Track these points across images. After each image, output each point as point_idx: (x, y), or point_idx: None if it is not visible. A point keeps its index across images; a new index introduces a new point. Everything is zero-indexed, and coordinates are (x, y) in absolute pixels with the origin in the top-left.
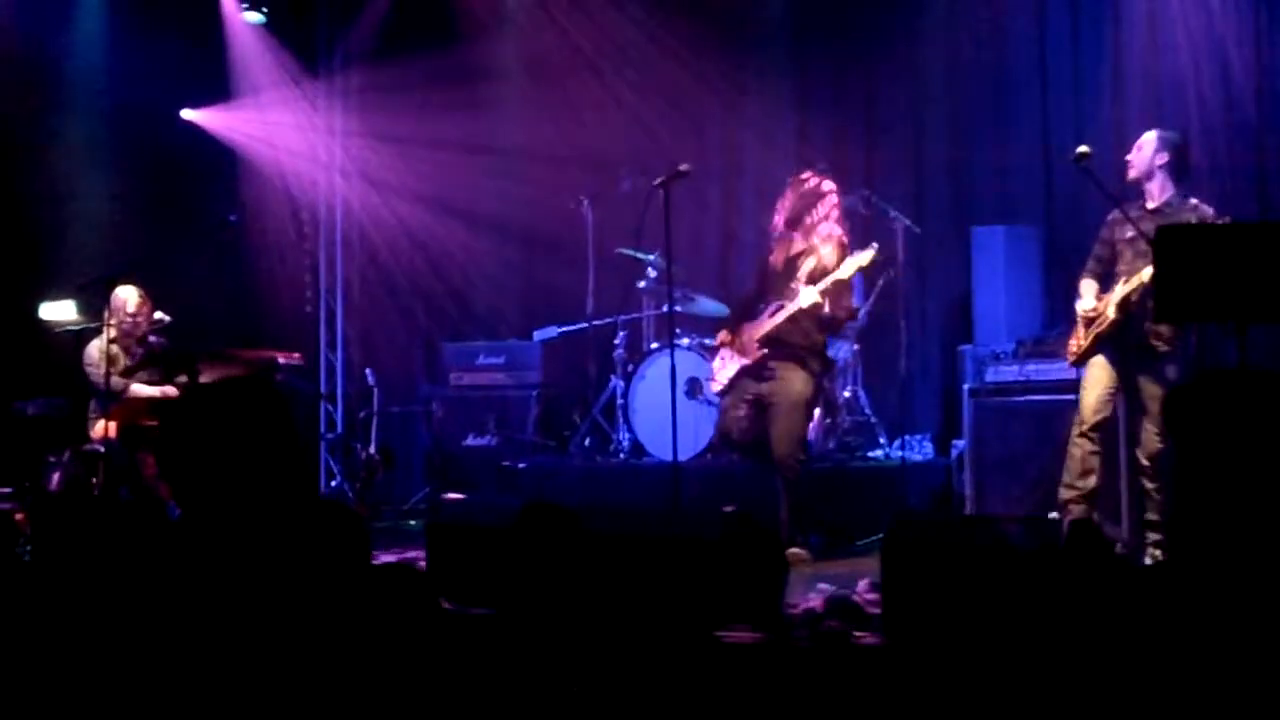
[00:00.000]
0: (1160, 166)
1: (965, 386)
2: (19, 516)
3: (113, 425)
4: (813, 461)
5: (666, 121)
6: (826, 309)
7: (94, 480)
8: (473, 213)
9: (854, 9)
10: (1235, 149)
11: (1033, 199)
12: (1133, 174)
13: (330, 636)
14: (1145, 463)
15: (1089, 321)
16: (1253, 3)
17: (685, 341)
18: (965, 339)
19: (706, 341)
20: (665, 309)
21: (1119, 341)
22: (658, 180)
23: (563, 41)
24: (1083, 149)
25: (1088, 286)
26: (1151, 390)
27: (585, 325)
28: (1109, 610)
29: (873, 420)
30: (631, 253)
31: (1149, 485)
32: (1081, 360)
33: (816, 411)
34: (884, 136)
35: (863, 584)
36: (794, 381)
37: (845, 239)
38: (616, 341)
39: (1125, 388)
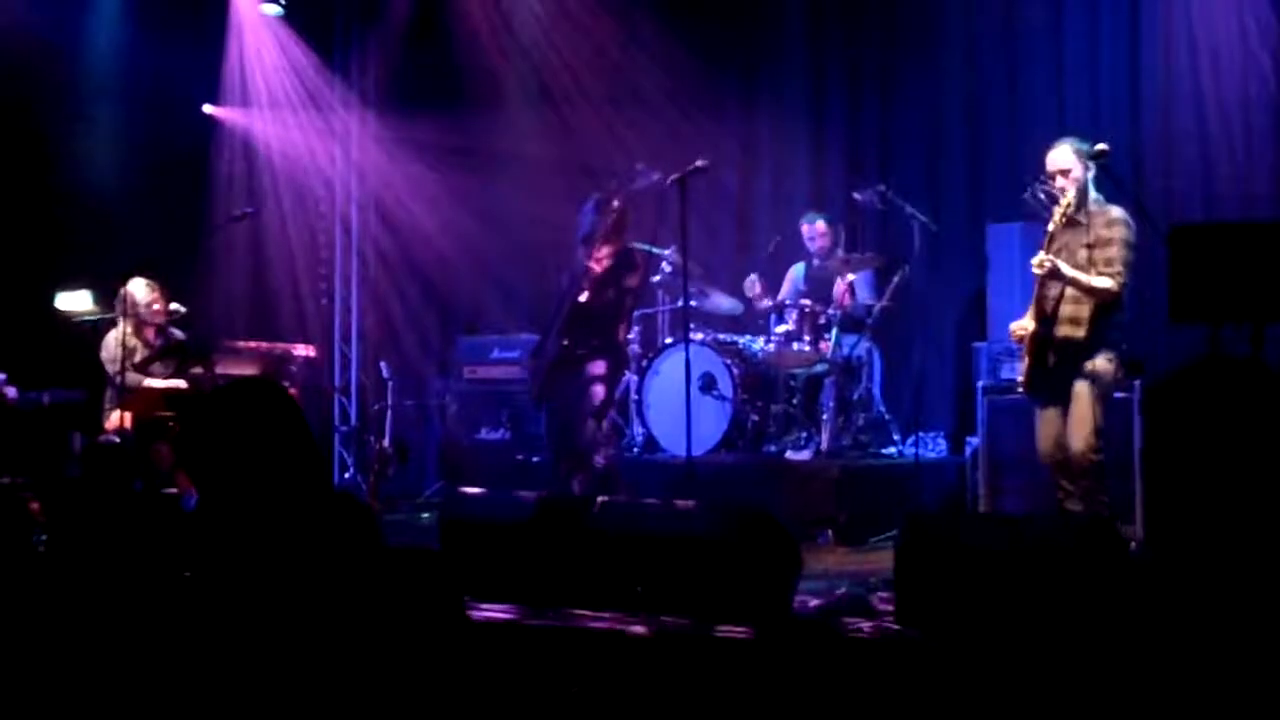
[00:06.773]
0: (1080, 178)
1: (980, 384)
2: (34, 506)
3: (127, 416)
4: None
5: (683, 120)
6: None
7: (108, 471)
8: (488, 206)
9: (869, 6)
10: (1253, 148)
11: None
12: (1065, 187)
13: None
14: (1069, 461)
15: (1024, 340)
16: (1274, 3)
17: (700, 337)
18: (980, 336)
19: (721, 337)
20: (680, 304)
21: (1046, 348)
22: (674, 175)
23: (579, 45)
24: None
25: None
26: (1080, 388)
27: None
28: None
29: (887, 418)
30: (647, 248)
31: (1068, 485)
32: (1031, 388)
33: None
34: (900, 133)
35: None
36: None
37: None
38: (631, 336)
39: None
